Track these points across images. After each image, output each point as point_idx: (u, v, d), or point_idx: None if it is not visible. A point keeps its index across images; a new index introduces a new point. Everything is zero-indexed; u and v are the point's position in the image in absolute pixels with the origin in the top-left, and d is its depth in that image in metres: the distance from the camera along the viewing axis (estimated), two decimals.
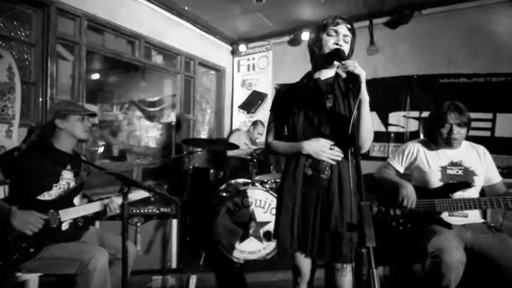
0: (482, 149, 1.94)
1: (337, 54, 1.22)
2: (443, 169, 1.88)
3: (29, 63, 2.55)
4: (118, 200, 1.77)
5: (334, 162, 1.29)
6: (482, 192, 1.95)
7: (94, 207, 1.74)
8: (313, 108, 1.32)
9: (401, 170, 2.03)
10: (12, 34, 2.44)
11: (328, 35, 1.30)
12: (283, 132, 1.45)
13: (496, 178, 1.90)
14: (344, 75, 1.15)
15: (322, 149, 1.28)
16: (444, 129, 1.84)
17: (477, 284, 1.67)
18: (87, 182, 1.93)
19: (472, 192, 1.84)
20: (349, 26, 1.31)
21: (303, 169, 1.33)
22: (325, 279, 1.38)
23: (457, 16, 3.45)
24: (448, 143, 1.86)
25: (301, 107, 1.34)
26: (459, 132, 1.83)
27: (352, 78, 1.08)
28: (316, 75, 1.39)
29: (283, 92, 1.46)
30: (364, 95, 1.17)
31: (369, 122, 1.26)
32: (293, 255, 1.39)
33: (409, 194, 1.81)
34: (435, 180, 1.87)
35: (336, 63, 1.31)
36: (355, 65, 1.09)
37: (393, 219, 1.89)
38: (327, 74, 1.38)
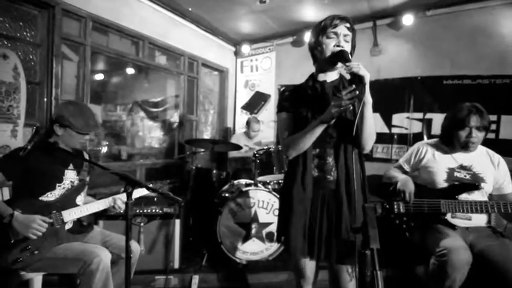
0: (497, 157, 1.90)
1: (341, 56, 1.21)
2: (451, 171, 1.87)
3: (34, 64, 2.57)
4: (122, 197, 1.78)
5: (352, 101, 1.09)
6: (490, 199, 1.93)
7: (97, 206, 1.74)
8: (321, 111, 1.31)
9: (409, 169, 2.03)
10: (18, 35, 2.46)
11: (328, 37, 1.28)
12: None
13: (508, 189, 1.86)
14: (348, 76, 1.14)
15: (342, 100, 1.10)
16: (463, 132, 1.80)
17: (479, 285, 1.66)
18: (91, 181, 1.94)
19: (478, 197, 1.82)
20: (348, 25, 1.29)
21: (311, 172, 1.32)
22: (330, 283, 1.37)
23: (461, 17, 3.43)
24: (466, 146, 1.83)
25: (308, 109, 1.33)
26: (477, 136, 1.79)
27: (356, 80, 1.07)
28: (321, 77, 1.38)
29: (290, 93, 1.43)
30: (368, 97, 1.17)
31: (372, 123, 1.25)
32: (299, 259, 1.38)
33: (404, 187, 1.84)
34: (440, 181, 1.86)
35: (339, 64, 1.31)
36: (359, 67, 1.08)
37: (397, 216, 1.88)
38: (332, 76, 1.38)
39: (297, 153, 1.31)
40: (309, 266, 1.38)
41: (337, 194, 1.28)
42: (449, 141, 1.92)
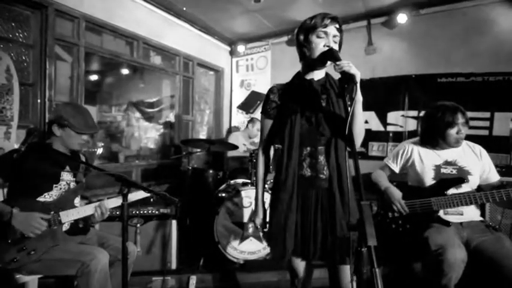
0: (478, 148, 1.94)
1: (331, 55, 1.21)
2: (437, 168, 1.89)
3: (27, 65, 2.54)
4: (110, 203, 1.73)
5: None
6: (480, 191, 1.95)
7: (93, 208, 1.72)
8: (310, 109, 1.32)
9: (397, 170, 2.04)
10: (10, 35, 2.43)
11: (318, 37, 1.29)
12: (275, 140, 1.46)
13: (494, 177, 1.90)
14: (338, 75, 1.15)
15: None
16: (453, 130, 1.83)
17: (473, 281, 1.67)
18: (87, 183, 1.92)
19: (466, 190, 1.84)
20: (337, 26, 1.30)
21: (302, 171, 1.32)
22: (330, 280, 1.38)
23: (454, 15, 3.46)
24: (457, 142, 1.86)
25: (297, 108, 1.33)
26: (465, 131, 1.84)
27: (347, 79, 1.08)
28: (309, 76, 1.38)
29: (276, 95, 1.43)
30: (359, 95, 1.17)
31: (362, 120, 1.28)
32: (290, 259, 1.38)
33: (392, 199, 1.87)
34: (428, 179, 1.88)
35: (328, 63, 1.30)
36: (349, 65, 1.09)
37: (392, 221, 1.90)
38: (319, 74, 1.38)
39: None
40: (301, 265, 1.39)
41: (330, 192, 1.28)
42: (432, 140, 1.94)
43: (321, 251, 1.27)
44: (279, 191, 1.34)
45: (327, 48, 1.26)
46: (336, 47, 1.30)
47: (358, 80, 1.09)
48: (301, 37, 1.35)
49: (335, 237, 1.24)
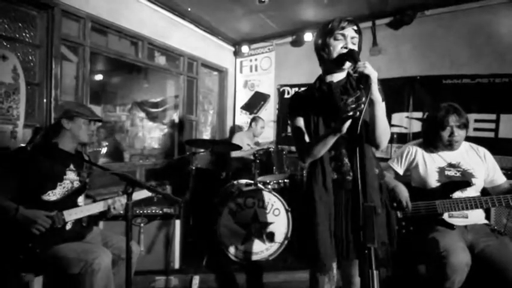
0: (482, 150, 1.92)
1: (350, 56, 1.21)
2: (441, 170, 1.88)
3: (34, 65, 2.57)
4: (122, 199, 1.78)
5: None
6: (486, 194, 1.93)
7: (97, 207, 1.75)
8: (330, 112, 1.30)
9: (401, 172, 2.03)
10: (17, 36, 2.46)
11: (336, 39, 1.28)
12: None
13: (500, 179, 1.88)
14: (356, 75, 1.14)
15: (347, 109, 1.07)
16: (445, 132, 1.84)
17: (477, 285, 1.66)
18: (91, 182, 1.94)
19: (471, 193, 1.83)
20: (355, 28, 1.30)
21: (330, 175, 1.31)
22: (342, 278, 1.42)
23: (460, 17, 3.43)
24: (450, 145, 1.86)
25: (318, 111, 1.33)
26: (459, 134, 1.83)
27: (363, 79, 1.07)
28: (328, 78, 1.38)
29: (299, 99, 1.43)
30: (376, 96, 1.16)
31: (384, 121, 1.24)
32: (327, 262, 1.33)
33: (400, 195, 1.84)
34: (433, 181, 1.88)
35: (347, 64, 1.30)
36: (365, 66, 1.09)
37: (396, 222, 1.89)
38: (339, 76, 1.37)
39: (312, 159, 1.32)
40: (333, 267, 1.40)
41: (354, 194, 1.26)
42: (432, 142, 1.94)
43: (348, 250, 1.27)
44: (318, 197, 1.30)
45: (345, 50, 1.26)
46: (354, 48, 1.29)
47: (374, 80, 1.07)
48: (319, 41, 1.35)
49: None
